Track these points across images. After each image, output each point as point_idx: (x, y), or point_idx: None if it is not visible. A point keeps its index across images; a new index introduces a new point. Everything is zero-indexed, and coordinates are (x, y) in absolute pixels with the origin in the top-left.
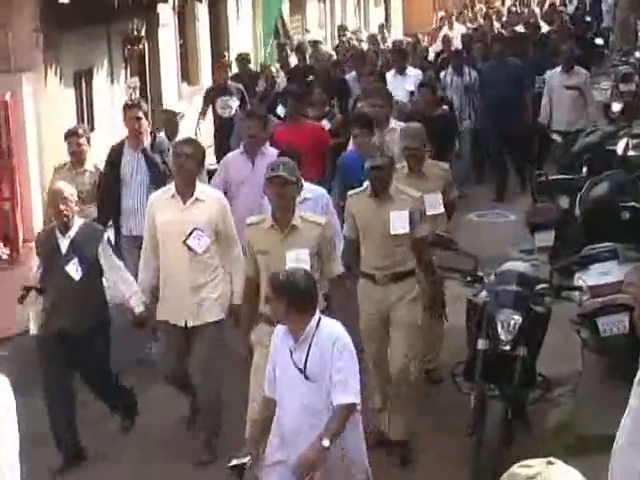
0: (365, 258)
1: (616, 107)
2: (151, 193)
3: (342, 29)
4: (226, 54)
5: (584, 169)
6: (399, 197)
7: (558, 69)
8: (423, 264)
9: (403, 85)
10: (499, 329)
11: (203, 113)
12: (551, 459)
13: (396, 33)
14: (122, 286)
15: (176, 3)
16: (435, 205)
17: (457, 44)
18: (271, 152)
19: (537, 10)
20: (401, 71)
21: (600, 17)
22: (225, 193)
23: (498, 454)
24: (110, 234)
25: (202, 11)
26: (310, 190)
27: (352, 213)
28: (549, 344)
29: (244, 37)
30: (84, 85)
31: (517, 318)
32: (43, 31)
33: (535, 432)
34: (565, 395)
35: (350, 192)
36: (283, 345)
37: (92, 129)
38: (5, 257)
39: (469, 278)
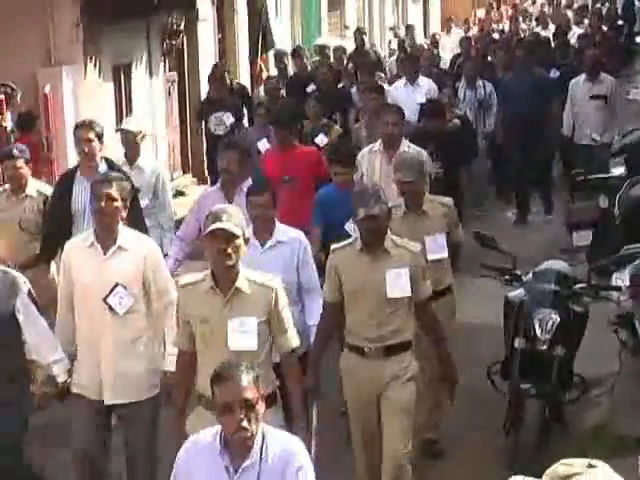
0: (352, 327)
1: None
2: None
3: (360, 32)
4: (219, 63)
5: (623, 168)
6: (396, 251)
7: (582, 77)
8: (430, 328)
9: (414, 97)
10: (537, 328)
11: (196, 130)
12: (592, 461)
13: (435, 28)
14: (44, 350)
15: None
16: (438, 249)
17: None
18: None
19: (569, 12)
20: (412, 81)
21: (634, 18)
22: (199, 233)
23: (535, 454)
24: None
25: (241, 6)
26: (285, 232)
27: (337, 271)
28: (587, 344)
29: (283, 33)
30: (123, 79)
31: (555, 317)
32: (83, 25)
33: (572, 432)
34: (602, 396)
35: (335, 245)
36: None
37: None
38: None
39: (507, 277)
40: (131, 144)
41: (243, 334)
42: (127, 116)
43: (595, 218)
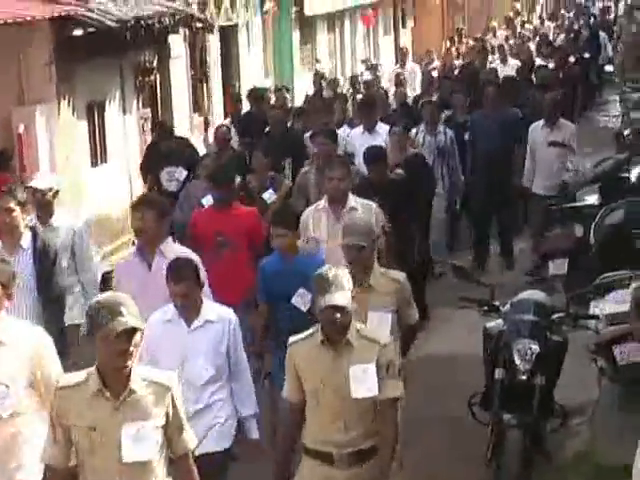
0: (314, 430)
1: (628, 135)
2: (39, 301)
3: (317, 75)
4: (164, 120)
5: (596, 197)
6: (360, 343)
7: (540, 122)
8: (386, 432)
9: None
10: (516, 358)
11: (149, 188)
12: None
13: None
14: None
15: (187, 34)
16: (383, 328)
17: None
18: (174, 249)
19: (531, 45)
20: (370, 129)
21: (598, 51)
22: None
23: None
24: None
25: (213, 43)
26: (214, 311)
27: (296, 368)
28: (566, 372)
29: (255, 68)
30: (97, 116)
31: (534, 347)
32: (56, 64)
33: (554, 462)
34: (583, 424)
35: (293, 339)
36: None
37: (105, 161)
38: None
39: (485, 308)
40: (41, 203)
41: (139, 442)
42: (101, 154)
43: (570, 247)
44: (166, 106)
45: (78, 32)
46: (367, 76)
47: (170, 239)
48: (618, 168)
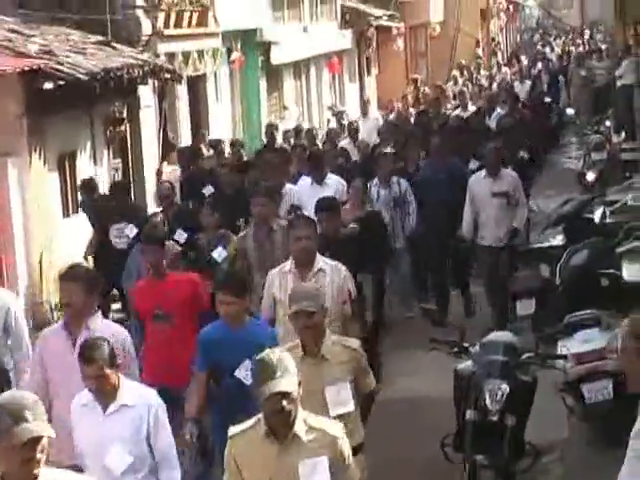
0: None
1: (590, 176)
2: None
3: (270, 127)
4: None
5: (561, 237)
6: (311, 436)
7: (482, 173)
8: None
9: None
10: (487, 399)
11: (92, 246)
12: None
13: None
14: None
15: (156, 85)
16: (342, 401)
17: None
18: (103, 325)
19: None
20: (319, 180)
21: (558, 95)
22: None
23: None
24: None
25: (182, 92)
26: (132, 393)
27: (237, 463)
28: (535, 411)
29: (224, 117)
30: (68, 167)
31: (504, 387)
32: (27, 116)
33: None
34: (553, 462)
35: (233, 431)
36: None
37: (76, 211)
38: None
39: (456, 349)
40: (40, 312)
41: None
42: (72, 205)
43: (537, 287)
44: (136, 155)
45: (48, 85)
46: (332, 124)
47: (99, 313)
48: (581, 209)
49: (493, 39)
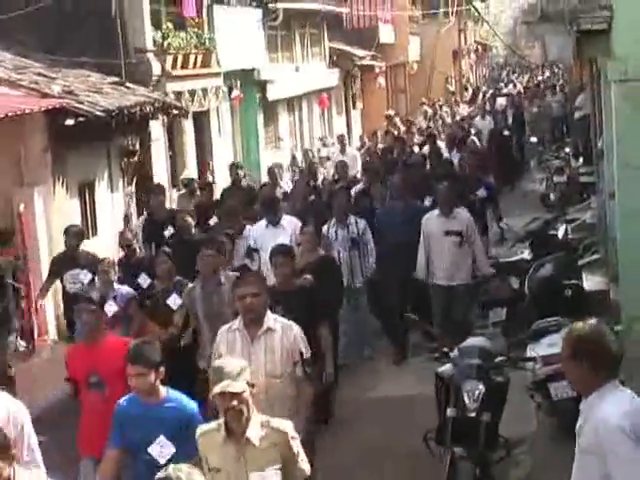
0: None
1: (552, 197)
2: None
3: (235, 167)
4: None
5: (528, 252)
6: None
7: (435, 212)
8: None
9: (275, 240)
10: (465, 398)
11: (45, 290)
12: None
13: (354, 139)
14: None
15: (165, 120)
16: None
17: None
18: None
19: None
20: (273, 223)
21: (522, 128)
22: None
23: None
24: None
25: (188, 126)
26: None
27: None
28: (507, 408)
29: (225, 147)
30: (87, 195)
31: (480, 387)
32: (51, 149)
33: None
34: (523, 453)
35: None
36: None
37: (95, 234)
38: (22, 349)
39: (437, 354)
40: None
41: None
42: (92, 228)
43: (507, 297)
44: (148, 183)
45: (70, 121)
46: (324, 153)
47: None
48: (546, 227)
49: (463, 76)
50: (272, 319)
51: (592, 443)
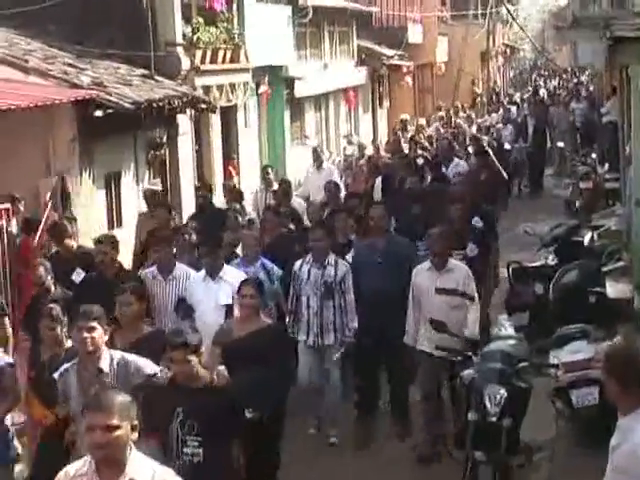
0: None
1: (577, 203)
2: None
3: (203, 188)
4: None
5: (552, 257)
6: None
7: (426, 264)
8: None
9: (209, 300)
10: (487, 402)
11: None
12: None
13: (382, 136)
14: None
15: (193, 114)
16: None
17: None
18: None
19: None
20: (213, 274)
21: (544, 139)
22: None
23: None
24: None
25: (215, 121)
26: None
27: None
28: (527, 413)
29: (251, 142)
30: (113, 186)
31: (502, 392)
32: (79, 140)
33: None
34: (544, 459)
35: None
36: None
37: (120, 225)
38: None
39: (459, 357)
40: None
41: None
42: (116, 219)
43: (531, 302)
44: (174, 176)
45: (98, 113)
46: (349, 151)
47: None
48: (571, 233)
49: (495, 82)
50: (139, 464)
51: (629, 465)
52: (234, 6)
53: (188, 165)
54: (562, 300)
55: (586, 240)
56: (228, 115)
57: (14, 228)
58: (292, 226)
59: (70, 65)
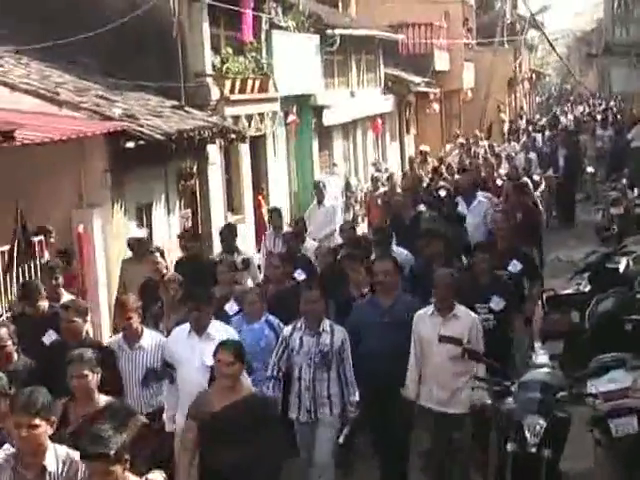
0: None
1: (609, 229)
2: None
3: (184, 235)
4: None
5: (586, 284)
6: None
7: (429, 309)
8: None
9: (191, 360)
10: (526, 433)
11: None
12: None
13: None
14: None
15: (222, 144)
16: None
17: None
18: None
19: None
20: (199, 330)
21: (557, 165)
22: None
23: None
24: None
25: (245, 150)
26: None
27: None
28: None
29: (280, 171)
30: (145, 217)
31: (542, 422)
32: (111, 171)
33: None
34: None
35: None
36: None
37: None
38: None
39: (497, 388)
40: None
41: None
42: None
43: (567, 330)
44: (204, 206)
45: (130, 144)
46: (377, 173)
47: None
48: (605, 260)
49: (522, 108)
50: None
51: None
52: (262, 36)
53: (218, 195)
54: (598, 328)
55: (622, 267)
56: (257, 144)
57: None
58: (303, 275)
59: (101, 97)
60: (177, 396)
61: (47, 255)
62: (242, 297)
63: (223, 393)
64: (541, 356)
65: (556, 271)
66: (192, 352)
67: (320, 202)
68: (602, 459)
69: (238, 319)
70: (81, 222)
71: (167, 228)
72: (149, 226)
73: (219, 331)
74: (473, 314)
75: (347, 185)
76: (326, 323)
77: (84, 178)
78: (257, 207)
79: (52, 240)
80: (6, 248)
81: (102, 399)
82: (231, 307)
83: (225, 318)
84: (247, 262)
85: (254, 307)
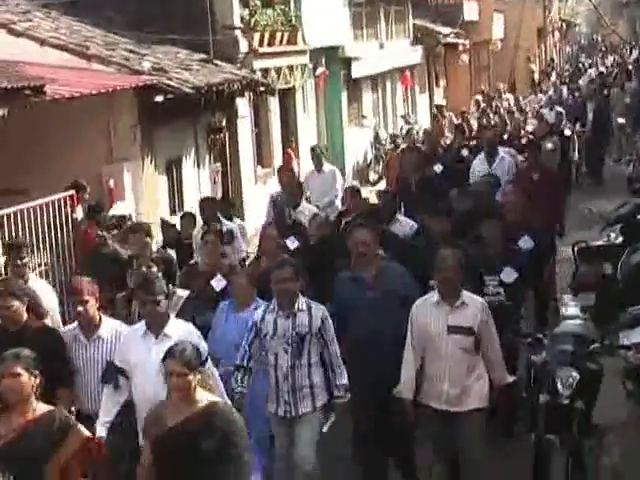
0: None
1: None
2: None
3: (164, 225)
4: None
5: (617, 236)
6: None
7: (434, 297)
8: None
9: (146, 365)
10: (559, 385)
11: None
12: None
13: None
14: None
15: (252, 97)
16: None
17: None
18: None
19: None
20: (155, 330)
21: (584, 119)
22: None
23: None
24: None
25: (274, 103)
26: None
27: None
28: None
29: (309, 125)
30: (175, 171)
31: (574, 375)
32: (140, 126)
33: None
34: (614, 441)
35: None
36: None
37: (182, 210)
38: None
39: (530, 340)
40: None
41: None
42: (178, 204)
43: (598, 282)
44: (234, 160)
45: (159, 98)
46: (406, 127)
47: None
48: (637, 211)
49: (552, 60)
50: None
51: None
52: None
53: (248, 148)
54: (630, 280)
55: None
56: (286, 98)
57: (79, 215)
58: (296, 242)
59: (131, 51)
60: (118, 402)
61: (79, 210)
62: (230, 280)
63: (177, 406)
64: (572, 308)
65: (587, 223)
66: (148, 356)
67: (319, 169)
68: (635, 410)
69: (224, 306)
70: (111, 177)
71: (197, 183)
72: (179, 180)
73: (178, 330)
74: (480, 298)
75: (376, 137)
76: (301, 301)
77: (114, 133)
78: (287, 160)
79: (86, 196)
80: None
81: (40, 408)
82: (218, 283)
83: (212, 294)
84: (230, 235)
85: (243, 292)
